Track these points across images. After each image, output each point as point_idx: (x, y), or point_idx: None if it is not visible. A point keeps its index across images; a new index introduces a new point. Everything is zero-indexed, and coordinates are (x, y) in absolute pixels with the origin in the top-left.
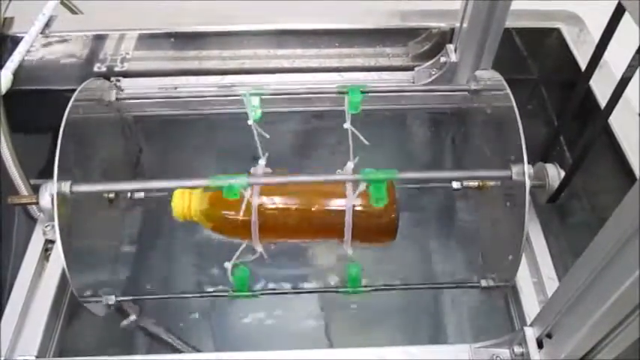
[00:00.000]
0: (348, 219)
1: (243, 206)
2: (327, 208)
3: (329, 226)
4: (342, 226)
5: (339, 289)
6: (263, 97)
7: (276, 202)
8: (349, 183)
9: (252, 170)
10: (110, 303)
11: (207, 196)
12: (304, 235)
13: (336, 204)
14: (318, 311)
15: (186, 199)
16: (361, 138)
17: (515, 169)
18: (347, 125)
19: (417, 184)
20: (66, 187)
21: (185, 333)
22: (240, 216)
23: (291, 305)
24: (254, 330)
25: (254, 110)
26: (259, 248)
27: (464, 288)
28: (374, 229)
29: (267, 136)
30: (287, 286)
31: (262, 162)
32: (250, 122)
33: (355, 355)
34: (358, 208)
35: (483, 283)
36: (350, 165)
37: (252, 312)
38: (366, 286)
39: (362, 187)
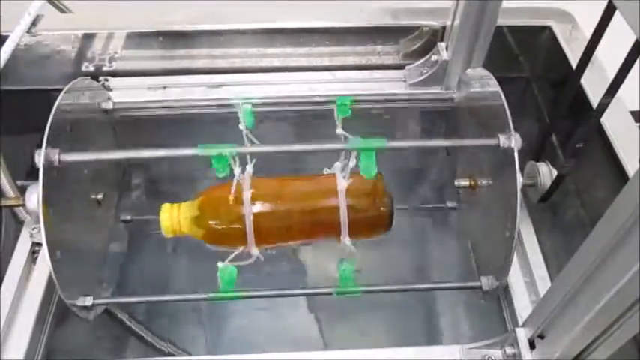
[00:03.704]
0: (343, 213)
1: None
2: (320, 205)
3: (324, 224)
4: (337, 223)
5: (325, 292)
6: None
7: (269, 205)
8: (340, 179)
9: (238, 179)
10: (88, 305)
11: (196, 205)
12: (299, 236)
13: (330, 201)
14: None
15: (175, 212)
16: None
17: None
18: (339, 131)
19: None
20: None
21: (176, 336)
22: (233, 221)
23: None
24: (246, 330)
25: (246, 118)
26: (255, 252)
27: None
28: (369, 221)
29: (257, 143)
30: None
31: (250, 169)
32: (242, 127)
33: (347, 356)
34: (351, 203)
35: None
36: (338, 165)
37: (245, 312)
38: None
39: (352, 162)
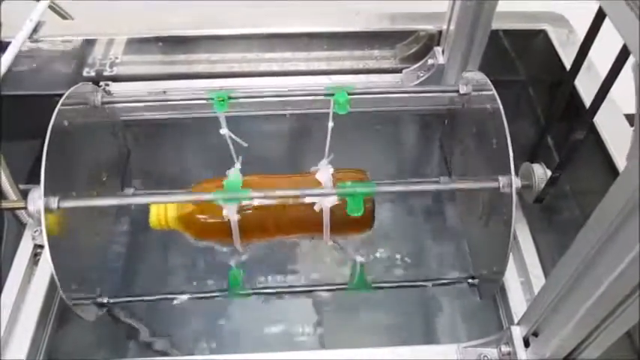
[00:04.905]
0: (326, 213)
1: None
2: (304, 203)
3: (307, 221)
4: (319, 221)
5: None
6: (233, 100)
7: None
8: (323, 174)
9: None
10: (101, 301)
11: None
12: (282, 232)
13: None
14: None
15: (162, 208)
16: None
17: (502, 180)
18: (331, 124)
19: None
20: (54, 202)
21: (176, 337)
22: (218, 218)
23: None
24: (245, 329)
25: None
26: (239, 247)
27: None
28: (350, 220)
29: (245, 145)
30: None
31: (237, 166)
32: (223, 131)
33: (343, 355)
34: (334, 202)
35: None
36: (324, 162)
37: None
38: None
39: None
